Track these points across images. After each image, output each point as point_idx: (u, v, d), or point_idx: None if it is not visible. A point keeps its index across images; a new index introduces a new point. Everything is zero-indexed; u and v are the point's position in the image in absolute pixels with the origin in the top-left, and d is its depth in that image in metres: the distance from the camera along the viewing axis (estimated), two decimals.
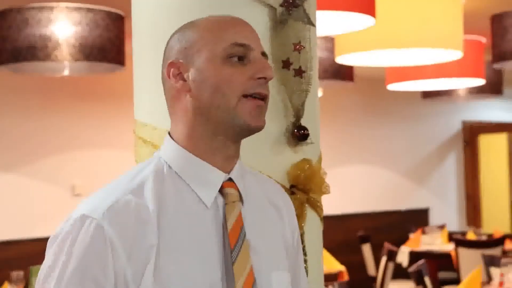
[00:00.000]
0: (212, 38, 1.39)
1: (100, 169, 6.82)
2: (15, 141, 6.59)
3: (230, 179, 1.42)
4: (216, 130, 1.39)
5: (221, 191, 1.41)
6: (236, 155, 1.44)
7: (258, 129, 1.40)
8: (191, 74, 1.39)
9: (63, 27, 4.40)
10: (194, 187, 1.39)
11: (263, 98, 1.39)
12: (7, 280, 5.15)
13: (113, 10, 4.54)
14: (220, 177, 1.40)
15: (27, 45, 4.40)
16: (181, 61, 1.41)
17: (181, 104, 1.41)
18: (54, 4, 4.43)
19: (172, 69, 1.42)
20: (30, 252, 5.95)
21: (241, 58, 1.38)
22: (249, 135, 1.42)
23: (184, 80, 1.40)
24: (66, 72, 5.05)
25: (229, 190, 1.41)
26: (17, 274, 5.10)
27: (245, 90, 1.37)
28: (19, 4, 4.51)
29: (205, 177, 1.39)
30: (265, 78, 1.38)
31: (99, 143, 6.99)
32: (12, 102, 6.60)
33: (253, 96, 1.37)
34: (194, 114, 1.39)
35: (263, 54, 1.42)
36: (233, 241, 1.37)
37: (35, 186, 6.64)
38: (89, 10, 4.43)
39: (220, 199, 1.40)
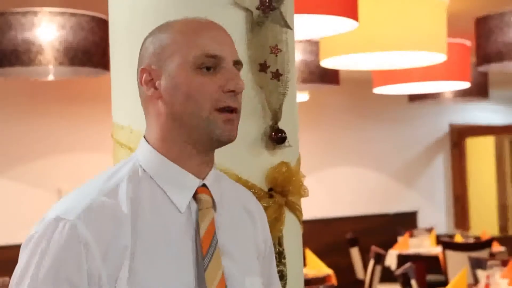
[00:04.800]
0: (184, 44, 1.38)
1: (86, 173, 6.75)
2: (0, 146, 6.56)
3: (204, 185, 1.42)
4: (189, 136, 1.38)
5: (195, 197, 1.40)
6: (210, 162, 1.43)
7: (229, 141, 1.40)
8: (163, 81, 1.39)
9: (47, 31, 4.39)
10: (168, 192, 1.39)
11: (234, 110, 1.38)
12: None
13: (96, 14, 4.53)
14: (194, 182, 1.40)
15: (11, 50, 4.39)
16: (153, 67, 1.40)
17: (154, 109, 1.41)
18: (37, 8, 4.42)
19: (144, 75, 1.41)
20: (16, 257, 5.90)
21: (210, 68, 1.37)
22: (220, 147, 1.42)
23: (156, 88, 1.40)
24: (51, 77, 5.04)
25: (203, 196, 1.41)
26: (3, 280, 5.07)
27: (216, 103, 1.36)
28: (3, 9, 4.50)
29: (179, 182, 1.39)
30: (234, 91, 1.37)
31: (85, 147, 6.97)
32: None
33: (224, 110, 1.37)
34: (167, 119, 1.39)
35: (237, 62, 1.41)
36: (205, 247, 1.37)
37: (21, 191, 6.61)
38: (72, 14, 4.42)
39: (194, 205, 1.40)
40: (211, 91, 1.36)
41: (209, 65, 1.37)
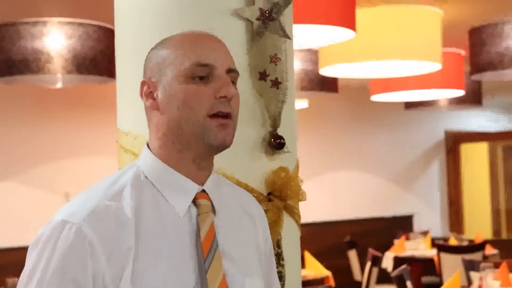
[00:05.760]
0: (177, 57, 1.39)
1: (93, 176, 6.77)
2: (10, 150, 6.57)
3: (203, 191, 1.42)
4: (186, 145, 1.39)
5: (194, 202, 1.41)
6: (208, 168, 1.44)
7: (224, 147, 1.40)
8: (159, 93, 1.41)
9: (56, 41, 4.41)
10: (168, 197, 1.40)
11: (227, 115, 1.38)
12: (3, 286, 5.13)
13: (103, 24, 4.54)
14: (193, 188, 1.41)
15: (21, 58, 4.40)
16: (152, 80, 1.42)
17: (153, 119, 1.43)
18: (46, 18, 4.43)
19: (144, 88, 1.44)
20: (25, 259, 5.90)
21: (203, 78, 1.38)
22: (216, 153, 1.42)
23: (154, 99, 1.42)
24: (59, 84, 5.05)
25: (202, 201, 1.41)
26: (13, 280, 5.08)
27: (208, 110, 1.37)
28: (13, 19, 4.51)
29: (179, 188, 1.40)
30: (225, 97, 1.37)
31: (91, 151, 6.98)
32: (7, 112, 6.59)
33: (216, 116, 1.37)
34: (165, 131, 1.41)
35: (230, 70, 1.41)
36: (206, 250, 1.38)
37: (30, 194, 6.62)
38: (80, 24, 4.44)
39: (194, 210, 1.41)
40: (204, 99, 1.37)
41: (202, 74, 1.38)
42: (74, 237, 1.31)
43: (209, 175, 1.44)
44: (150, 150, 1.43)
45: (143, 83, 1.44)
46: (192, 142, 1.38)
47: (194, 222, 1.40)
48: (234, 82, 1.42)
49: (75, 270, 1.30)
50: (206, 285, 1.36)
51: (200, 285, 1.36)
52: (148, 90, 1.43)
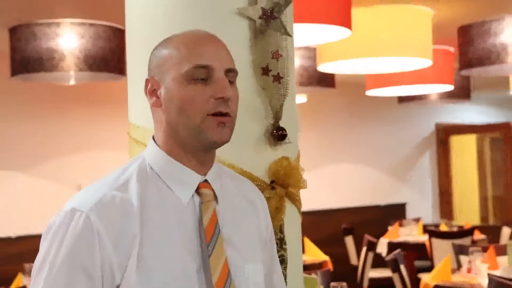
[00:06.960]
0: (179, 58, 1.39)
1: (104, 169, 6.78)
2: (25, 144, 6.58)
3: (205, 181, 1.43)
4: (185, 143, 1.40)
5: (197, 191, 1.42)
6: (210, 160, 1.44)
7: (222, 143, 1.40)
8: (162, 92, 1.41)
9: (69, 40, 4.42)
10: (172, 187, 1.40)
11: (226, 114, 1.38)
12: (21, 272, 5.15)
13: (113, 24, 4.55)
14: (195, 178, 1.42)
15: (36, 57, 4.41)
16: (156, 78, 1.42)
17: (157, 116, 1.44)
18: (60, 20, 4.44)
19: (148, 86, 1.43)
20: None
21: (203, 79, 1.38)
22: (215, 148, 1.43)
23: (157, 97, 1.42)
24: (72, 81, 5.06)
25: (205, 191, 1.42)
26: (30, 266, 5.10)
27: (208, 110, 1.37)
28: (29, 20, 4.52)
29: (182, 178, 1.41)
30: (223, 98, 1.37)
31: (102, 145, 6.99)
32: (22, 108, 6.59)
33: (215, 115, 1.37)
34: (166, 126, 1.41)
35: (229, 70, 1.41)
36: (208, 236, 1.38)
37: (45, 186, 6.63)
38: (91, 24, 4.45)
39: (197, 198, 1.41)
40: (203, 100, 1.37)
41: (201, 76, 1.38)
42: (82, 225, 1.31)
43: (211, 166, 1.44)
44: (155, 143, 1.44)
45: (147, 81, 1.44)
46: (190, 142, 1.39)
47: (197, 210, 1.40)
48: (233, 82, 1.42)
49: (83, 257, 1.30)
50: (209, 269, 1.36)
51: (204, 269, 1.37)
52: (152, 88, 1.43)
